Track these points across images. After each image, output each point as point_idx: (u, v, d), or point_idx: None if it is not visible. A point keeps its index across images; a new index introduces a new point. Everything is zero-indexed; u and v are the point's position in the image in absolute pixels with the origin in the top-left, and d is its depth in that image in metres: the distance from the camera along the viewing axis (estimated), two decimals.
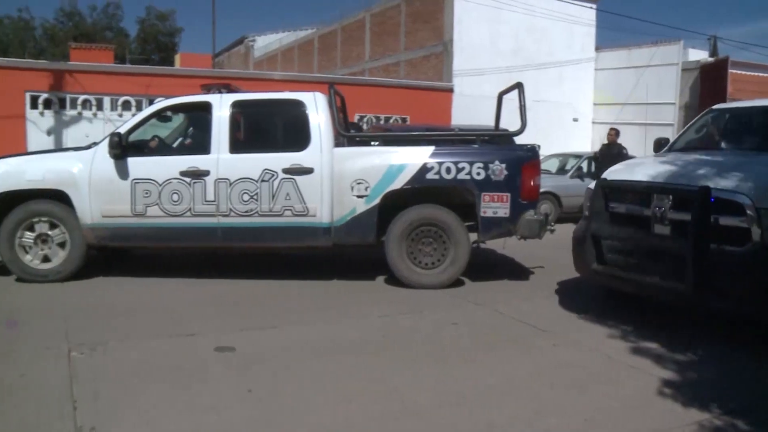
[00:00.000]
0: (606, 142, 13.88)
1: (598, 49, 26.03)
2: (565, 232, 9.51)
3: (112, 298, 6.50)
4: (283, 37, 40.85)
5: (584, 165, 14.98)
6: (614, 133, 13.53)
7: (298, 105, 7.22)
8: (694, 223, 4.83)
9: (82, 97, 17.81)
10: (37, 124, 17.34)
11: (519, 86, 7.44)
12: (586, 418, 3.74)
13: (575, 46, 25.02)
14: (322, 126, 7.10)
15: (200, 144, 7.29)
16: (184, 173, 6.97)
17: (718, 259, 4.81)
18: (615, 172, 6.17)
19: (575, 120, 25.03)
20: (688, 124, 7.43)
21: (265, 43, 43.08)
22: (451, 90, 22.62)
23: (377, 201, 6.97)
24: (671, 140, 7.45)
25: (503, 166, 6.99)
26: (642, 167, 6.17)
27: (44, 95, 17.45)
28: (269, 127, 7.91)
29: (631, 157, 11.53)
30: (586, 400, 4.01)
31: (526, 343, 5.17)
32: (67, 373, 4.31)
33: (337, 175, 6.98)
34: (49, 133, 17.38)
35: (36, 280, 7.03)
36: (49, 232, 7.10)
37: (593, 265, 5.77)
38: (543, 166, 15.64)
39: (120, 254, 8.40)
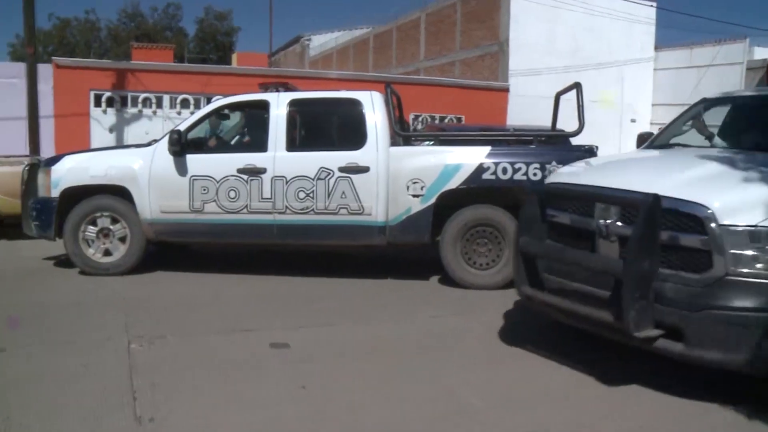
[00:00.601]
0: None
1: (657, 48, 25.51)
2: None
3: (169, 293, 6.64)
4: (339, 36, 41.10)
5: None
6: None
7: (355, 104, 7.25)
8: (636, 239, 3.85)
9: (142, 96, 18.25)
10: (100, 121, 17.84)
11: (577, 86, 7.34)
12: (641, 425, 3.67)
13: (634, 46, 24.57)
14: (379, 125, 7.12)
15: (257, 142, 7.39)
16: (241, 170, 7.06)
17: (672, 289, 3.85)
18: (562, 174, 5.27)
19: (633, 121, 24.55)
20: (676, 116, 6.32)
21: (320, 42, 43.42)
22: (506, 90, 22.45)
23: (433, 200, 6.95)
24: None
25: (560, 166, 6.89)
26: (596, 167, 5.25)
27: (107, 93, 17.93)
28: (326, 126, 7.97)
29: None
30: (640, 407, 3.92)
31: (576, 345, 5.09)
32: (127, 365, 4.42)
33: (392, 174, 6.99)
34: (111, 130, 17.87)
35: (98, 273, 7.23)
36: (111, 227, 7.30)
37: (524, 288, 4.76)
38: None
39: (178, 249, 8.57)
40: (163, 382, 4.11)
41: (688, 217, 3.85)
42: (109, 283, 6.95)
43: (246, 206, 7.06)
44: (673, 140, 5.89)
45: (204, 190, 7.10)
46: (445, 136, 8.22)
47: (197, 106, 17.50)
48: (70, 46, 50.27)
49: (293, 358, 4.68)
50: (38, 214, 7.37)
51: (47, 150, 14.37)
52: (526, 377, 4.38)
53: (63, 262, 7.85)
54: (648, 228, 3.85)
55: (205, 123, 7.62)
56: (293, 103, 7.31)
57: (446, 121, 20.86)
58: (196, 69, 20.38)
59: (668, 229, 3.90)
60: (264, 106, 7.33)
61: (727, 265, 3.68)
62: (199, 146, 7.51)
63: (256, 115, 7.68)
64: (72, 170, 7.33)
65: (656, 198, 3.85)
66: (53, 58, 18.82)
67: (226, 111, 7.98)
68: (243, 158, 7.17)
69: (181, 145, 7.09)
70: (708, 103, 6.21)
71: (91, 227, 7.27)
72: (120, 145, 16.21)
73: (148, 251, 7.50)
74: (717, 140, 5.79)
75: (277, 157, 7.09)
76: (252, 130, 8.06)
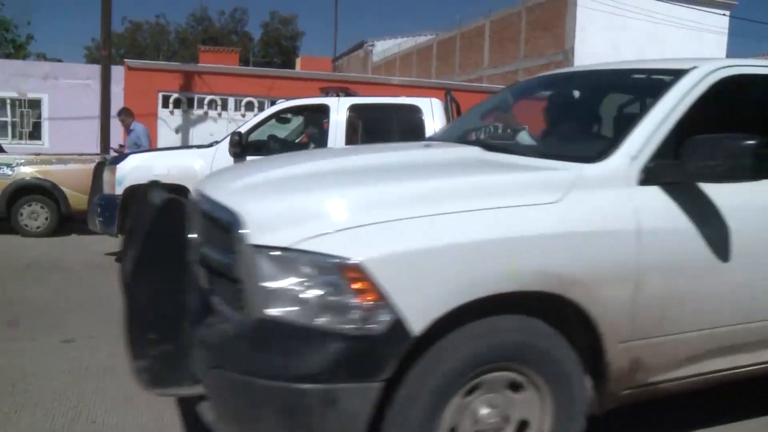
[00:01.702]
0: None
1: (729, 58, 24.84)
2: None
3: None
4: (402, 42, 41.28)
5: None
6: None
7: (415, 110, 7.28)
8: (135, 257, 2.79)
9: (208, 98, 18.66)
10: (167, 122, 18.31)
11: None
12: None
13: (703, 56, 23.94)
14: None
15: (317, 145, 7.48)
16: None
17: (214, 333, 2.54)
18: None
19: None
20: (475, 105, 4.95)
21: (383, 48, 43.69)
22: None
23: None
24: None
25: None
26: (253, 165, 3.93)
27: (174, 95, 18.39)
28: (385, 131, 8.03)
29: None
30: None
31: None
32: None
33: None
34: (176, 131, 18.30)
35: None
36: None
37: None
38: None
39: None
40: None
41: (225, 231, 2.60)
42: None
43: None
44: (450, 135, 4.38)
45: None
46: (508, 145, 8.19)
47: (261, 109, 17.76)
48: (140, 48, 51.75)
49: None
50: (102, 211, 7.59)
51: None
52: None
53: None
54: (152, 240, 2.75)
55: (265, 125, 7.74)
56: (353, 108, 7.39)
57: (509, 131, 20.69)
58: (261, 72, 20.70)
59: (216, 246, 2.71)
60: (324, 110, 7.42)
61: (260, 304, 2.36)
62: (260, 148, 7.62)
63: (317, 119, 7.79)
64: (136, 169, 7.53)
65: (166, 200, 2.81)
66: (125, 60, 19.42)
67: (288, 114, 8.11)
68: None
69: (242, 147, 7.21)
70: (518, 88, 4.85)
71: None
72: (183, 145, 16.61)
73: None
74: (523, 135, 4.30)
75: None
76: (312, 133, 8.18)
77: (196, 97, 18.69)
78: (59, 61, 28.03)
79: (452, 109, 7.45)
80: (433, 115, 7.20)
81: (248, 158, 7.23)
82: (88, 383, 4.03)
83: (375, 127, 7.96)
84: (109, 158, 8.26)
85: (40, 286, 6.64)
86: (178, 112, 18.52)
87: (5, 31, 29.40)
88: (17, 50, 29.50)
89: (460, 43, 31.11)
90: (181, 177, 7.40)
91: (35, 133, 17.63)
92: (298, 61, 37.71)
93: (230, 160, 7.25)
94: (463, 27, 30.96)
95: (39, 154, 11.04)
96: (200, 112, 18.73)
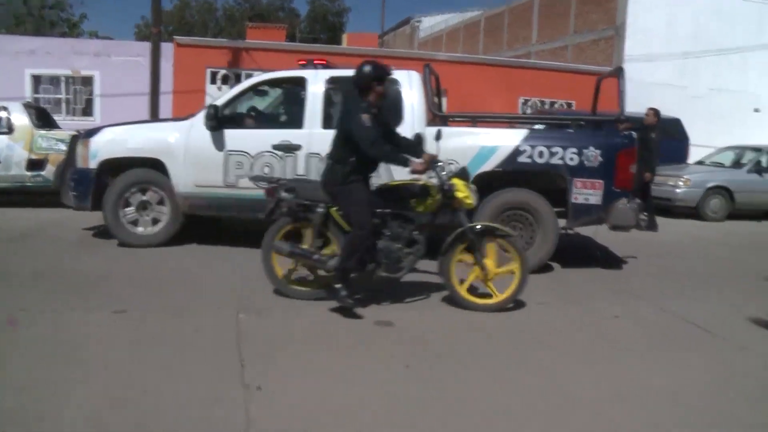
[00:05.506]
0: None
1: None
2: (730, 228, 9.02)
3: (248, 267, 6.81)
4: (449, 18, 40.76)
5: (764, 159, 13.83)
6: (652, 113, 11.20)
7: (393, 83, 7.11)
8: None
9: (255, 74, 18.65)
10: (215, 98, 18.37)
11: (618, 71, 7.50)
12: None
13: (765, 31, 23.06)
14: (416, 105, 7.09)
15: (293, 118, 7.43)
16: (276, 147, 7.14)
17: None
18: None
19: (757, 110, 23.13)
20: None
21: (430, 23, 43.19)
22: None
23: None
24: None
25: (598, 152, 6.83)
26: None
27: (222, 71, 18.50)
28: None
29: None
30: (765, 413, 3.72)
31: (694, 344, 4.90)
32: (235, 333, 4.60)
33: None
34: None
35: (137, 245, 7.36)
36: (150, 200, 7.44)
37: None
38: (716, 158, 14.71)
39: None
40: (270, 353, 4.24)
41: None
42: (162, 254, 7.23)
43: None
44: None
45: (238, 165, 7.20)
46: (482, 118, 8.12)
47: None
48: (188, 25, 52.16)
49: (398, 337, 4.72)
50: (76, 185, 7.50)
51: None
52: (639, 374, 4.23)
53: (102, 233, 7.99)
54: None
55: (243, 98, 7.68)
56: (331, 81, 7.28)
57: (556, 106, 20.36)
58: (308, 48, 20.60)
59: None
60: (301, 82, 7.33)
61: None
62: (236, 121, 7.57)
63: (294, 91, 7.72)
64: (110, 142, 7.45)
65: None
66: (174, 37, 19.55)
67: (265, 87, 8.05)
68: (278, 134, 7.24)
69: (218, 120, 7.18)
70: None
71: (131, 199, 7.40)
72: (159, 118, 16.61)
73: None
74: None
75: (313, 134, 7.11)
76: (289, 106, 8.12)
77: (243, 73, 18.73)
78: (110, 38, 28.43)
79: (431, 82, 7.32)
80: (411, 87, 7.10)
81: (225, 131, 7.24)
82: (136, 353, 4.13)
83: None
84: (83, 131, 8.11)
85: (92, 257, 6.81)
86: (226, 88, 18.61)
87: (60, 11, 29.91)
88: (71, 29, 30.01)
89: (508, 19, 30.57)
90: (155, 150, 7.34)
91: (87, 110, 17.93)
92: (345, 38, 37.67)
93: (206, 133, 7.22)
94: (512, 2, 30.45)
95: None
96: None
